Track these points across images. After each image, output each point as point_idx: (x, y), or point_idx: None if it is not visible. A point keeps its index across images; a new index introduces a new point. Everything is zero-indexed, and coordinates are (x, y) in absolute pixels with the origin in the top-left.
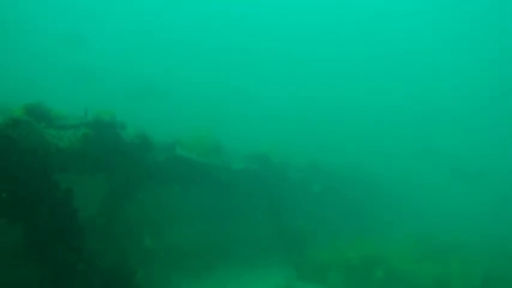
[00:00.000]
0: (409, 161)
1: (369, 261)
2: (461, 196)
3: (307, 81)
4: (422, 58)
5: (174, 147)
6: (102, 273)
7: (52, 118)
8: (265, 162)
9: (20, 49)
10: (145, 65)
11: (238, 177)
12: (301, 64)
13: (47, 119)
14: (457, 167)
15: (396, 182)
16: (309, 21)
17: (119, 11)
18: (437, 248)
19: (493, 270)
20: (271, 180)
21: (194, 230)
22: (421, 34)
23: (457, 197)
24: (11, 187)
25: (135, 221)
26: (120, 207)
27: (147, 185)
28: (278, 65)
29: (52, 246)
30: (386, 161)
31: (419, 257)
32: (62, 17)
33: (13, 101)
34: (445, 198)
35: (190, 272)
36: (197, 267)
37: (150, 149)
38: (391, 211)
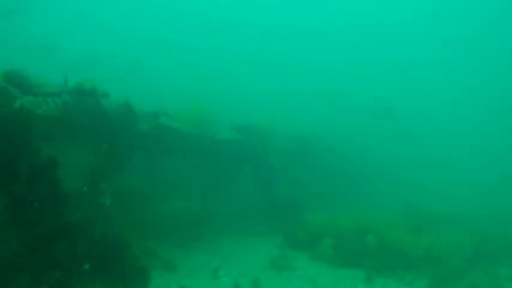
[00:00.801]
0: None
1: (360, 230)
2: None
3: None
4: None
5: (158, 117)
6: (94, 243)
7: (32, 85)
8: (252, 133)
9: None
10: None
11: (225, 147)
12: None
13: (27, 86)
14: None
15: (383, 155)
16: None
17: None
18: (427, 218)
19: (484, 240)
20: (257, 150)
21: (183, 200)
22: (422, 38)
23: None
24: None
25: (123, 192)
26: (107, 177)
27: (133, 155)
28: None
29: (33, 215)
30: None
31: (410, 227)
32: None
33: None
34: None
35: (179, 242)
36: (186, 237)
37: (133, 118)
38: (379, 183)
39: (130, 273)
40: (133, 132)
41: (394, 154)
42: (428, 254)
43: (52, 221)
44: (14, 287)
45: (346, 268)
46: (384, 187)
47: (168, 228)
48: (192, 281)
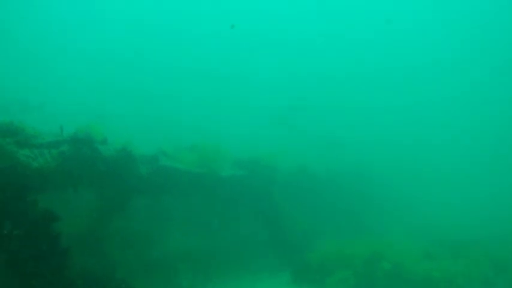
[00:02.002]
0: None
1: (373, 259)
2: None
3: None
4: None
5: (157, 159)
6: None
7: (28, 136)
8: (254, 168)
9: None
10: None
11: (228, 183)
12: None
13: (22, 137)
14: None
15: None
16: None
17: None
18: (442, 244)
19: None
20: (260, 185)
21: (186, 239)
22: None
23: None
24: None
25: (125, 234)
26: (109, 220)
27: (135, 197)
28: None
29: (32, 271)
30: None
31: (425, 254)
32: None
33: None
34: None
35: (185, 281)
36: (191, 276)
37: (133, 163)
38: (388, 206)
39: None
40: (133, 176)
41: (391, 172)
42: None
43: (51, 277)
44: None
45: None
46: (389, 210)
47: (174, 268)
48: None
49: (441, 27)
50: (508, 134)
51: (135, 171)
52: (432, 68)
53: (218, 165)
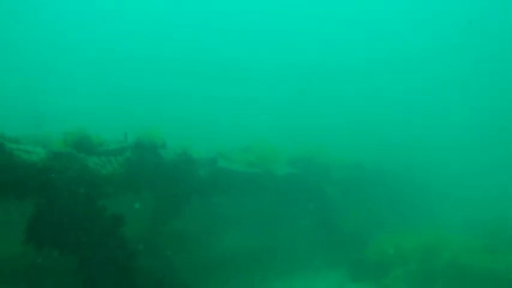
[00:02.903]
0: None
1: (431, 253)
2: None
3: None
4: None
5: (216, 161)
6: None
7: (93, 144)
8: (308, 165)
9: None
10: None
11: (282, 182)
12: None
13: (89, 145)
14: None
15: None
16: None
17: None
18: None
19: None
20: (314, 182)
21: (243, 239)
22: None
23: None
24: (59, 218)
25: (184, 235)
26: (167, 222)
27: (194, 199)
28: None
29: (103, 275)
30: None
31: (484, 246)
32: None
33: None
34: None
35: (243, 280)
36: (249, 274)
37: (192, 165)
38: (434, 199)
39: None
40: (192, 178)
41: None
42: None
43: (121, 280)
44: None
45: None
46: (437, 202)
47: (231, 268)
48: None
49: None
50: None
51: (194, 174)
52: None
53: (273, 165)
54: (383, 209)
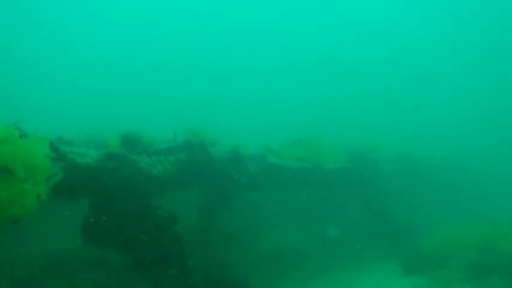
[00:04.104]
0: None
1: (488, 246)
2: None
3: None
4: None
5: (265, 157)
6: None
7: (144, 144)
8: (358, 158)
9: None
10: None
11: (332, 176)
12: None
13: (140, 145)
14: None
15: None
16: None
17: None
18: None
19: None
20: (364, 175)
21: (292, 233)
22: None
23: None
24: (112, 217)
25: (232, 230)
26: (216, 217)
27: (243, 195)
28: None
29: (158, 273)
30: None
31: None
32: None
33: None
34: None
35: (293, 274)
36: (299, 268)
37: (242, 162)
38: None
39: None
40: (242, 175)
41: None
42: None
43: (177, 278)
44: None
45: None
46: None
47: (280, 262)
48: None
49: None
50: None
51: (244, 171)
52: None
53: (323, 160)
54: (436, 200)
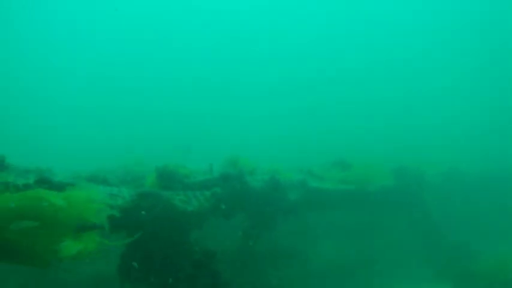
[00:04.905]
0: None
1: None
2: None
3: None
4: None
5: (305, 183)
6: None
7: (180, 177)
8: (405, 176)
9: None
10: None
11: (378, 195)
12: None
13: (175, 179)
14: None
15: None
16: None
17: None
18: None
19: None
20: (410, 192)
21: (338, 253)
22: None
23: None
24: (148, 255)
25: (277, 251)
26: (259, 240)
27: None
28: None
29: None
30: None
31: None
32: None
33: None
34: None
35: None
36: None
37: (281, 190)
38: None
39: None
40: (282, 203)
41: None
42: None
43: None
44: None
45: None
46: None
47: (327, 282)
48: None
49: None
50: None
51: (283, 198)
52: None
53: (367, 179)
54: (492, 217)
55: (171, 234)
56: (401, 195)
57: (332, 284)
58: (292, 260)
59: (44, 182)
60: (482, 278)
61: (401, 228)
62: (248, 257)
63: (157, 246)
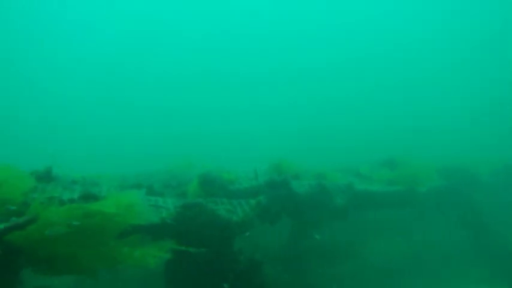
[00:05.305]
0: None
1: None
2: None
3: None
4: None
5: (351, 187)
6: None
7: (224, 184)
8: (455, 176)
9: None
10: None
11: (428, 196)
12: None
13: (218, 185)
14: None
15: None
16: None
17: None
18: None
19: None
20: (462, 192)
21: (387, 252)
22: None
23: None
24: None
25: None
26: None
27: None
28: None
29: None
30: None
31: None
32: None
33: None
34: None
35: None
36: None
37: (328, 195)
38: None
39: None
40: (329, 207)
41: None
42: None
43: None
44: None
45: None
46: None
47: (375, 281)
48: None
49: None
50: None
51: (330, 203)
52: None
53: (418, 181)
54: None
55: (215, 243)
56: (452, 196)
57: (384, 282)
58: (341, 258)
59: (91, 196)
60: None
61: (452, 228)
62: (296, 257)
63: (202, 255)
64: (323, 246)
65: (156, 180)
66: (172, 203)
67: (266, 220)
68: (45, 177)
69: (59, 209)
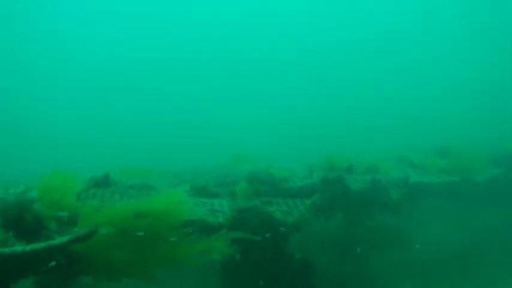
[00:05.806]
0: None
1: None
2: None
3: None
4: None
5: (406, 180)
6: None
7: (276, 181)
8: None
9: None
10: None
11: (484, 186)
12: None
13: (270, 183)
14: None
15: None
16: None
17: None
18: None
19: None
20: None
21: (441, 240)
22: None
23: None
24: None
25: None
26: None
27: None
28: None
29: None
30: None
31: None
32: None
33: None
34: None
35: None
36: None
37: (383, 190)
38: None
39: None
40: (384, 202)
41: None
42: None
43: None
44: None
45: None
46: None
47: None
48: None
49: None
50: None
51: (385, 198)
52: None
53: (473, 168)
54: None
55: (270, 243)
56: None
57: (431, 271)
58: (395, 247)
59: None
60: None
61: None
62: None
63: (257, 255)
64: (376, 235)
65: (208, 178)
66: (228, 206)
67: (321, 216)
68: (103, 182)
69: (109, 209)
